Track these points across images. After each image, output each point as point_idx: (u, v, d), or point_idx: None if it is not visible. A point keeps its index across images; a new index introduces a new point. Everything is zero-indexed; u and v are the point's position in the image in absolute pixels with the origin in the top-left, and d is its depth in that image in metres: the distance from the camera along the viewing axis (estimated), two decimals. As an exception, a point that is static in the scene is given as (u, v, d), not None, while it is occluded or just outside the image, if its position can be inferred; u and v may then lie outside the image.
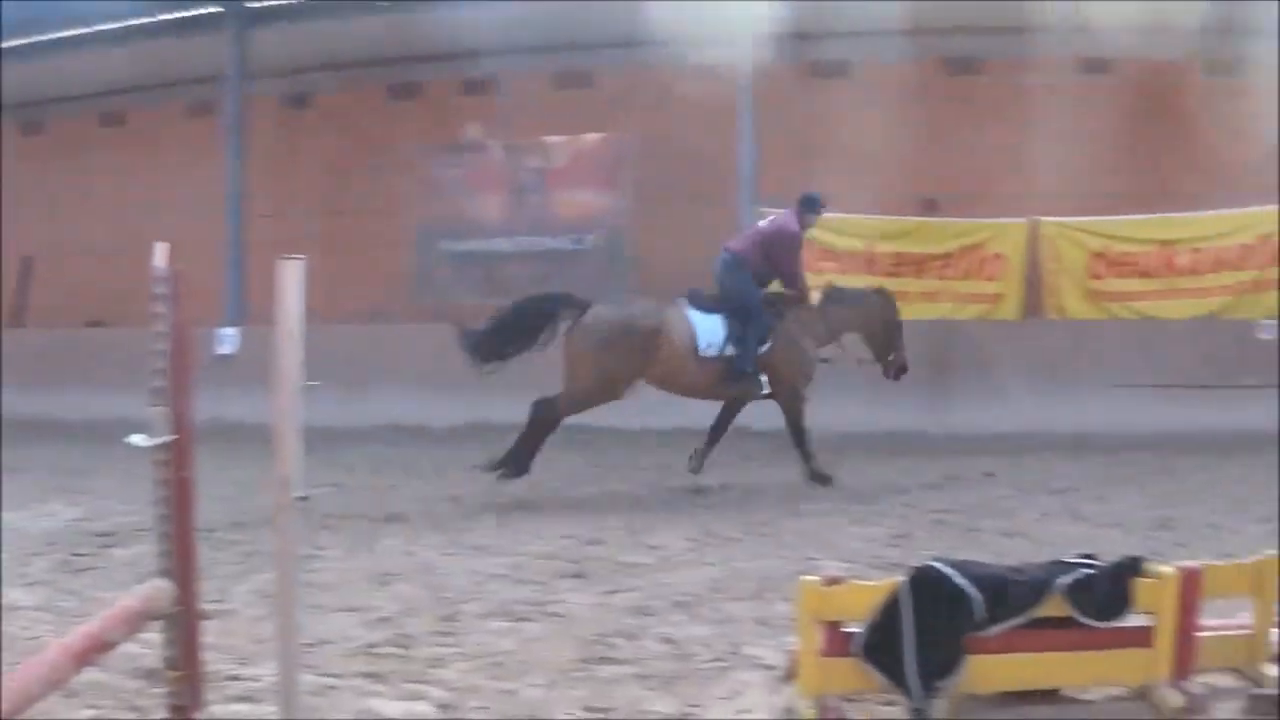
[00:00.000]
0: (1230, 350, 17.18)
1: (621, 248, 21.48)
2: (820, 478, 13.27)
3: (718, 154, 20.23)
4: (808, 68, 21.79)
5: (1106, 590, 5.97)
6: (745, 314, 13.32)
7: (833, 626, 5.82)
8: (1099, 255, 19.41)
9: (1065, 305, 19.26)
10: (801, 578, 5.89)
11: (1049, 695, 6.03)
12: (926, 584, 5.86)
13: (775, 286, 13.93)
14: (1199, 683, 6.08)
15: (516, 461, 12.90)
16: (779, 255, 13.75)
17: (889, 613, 5.78)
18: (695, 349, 13.15)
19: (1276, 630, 6.45)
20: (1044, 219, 19.40)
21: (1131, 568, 6.07)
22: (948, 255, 19.44)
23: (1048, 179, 20.02)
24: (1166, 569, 6.09)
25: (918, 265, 19.37)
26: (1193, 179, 20.15)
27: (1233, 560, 6.80)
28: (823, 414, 16.19)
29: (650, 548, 9.84)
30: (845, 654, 5.79)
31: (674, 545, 9.95)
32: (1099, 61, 21.14)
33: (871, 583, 6.12)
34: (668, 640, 7.12)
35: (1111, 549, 7.06)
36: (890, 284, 18.24)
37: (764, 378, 13.36)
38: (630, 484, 13.51)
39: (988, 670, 5.84)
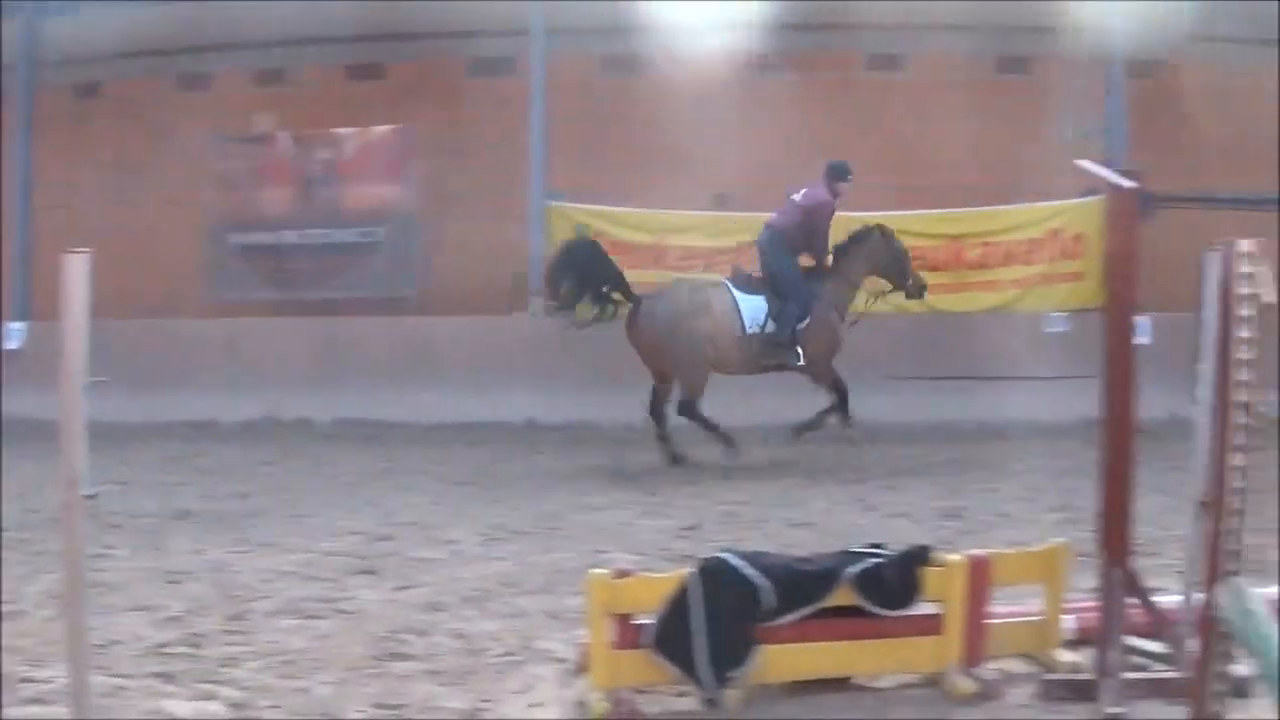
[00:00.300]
0: (1020, 343, 17.50)
1: (410, 240, 21.26)
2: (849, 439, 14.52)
3: (509, 146, 20.12)
4: (602, 61, 21.77)
5: (895, 579, 6.05)
6: (787, 291, 14.31)
7: (623, 619, 5.83)
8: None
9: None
10: (591, 571, 5.89)
11: (841, 684, 6.09)
12: (715, 575, 5.89)
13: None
14: (991, 669, 6.19)
15: (727, 441, 14.16)
16: (818, 225, 14.74)
17: (679, 605, 5.80)
18: (742, 329, 14.20)
19: (1067, 616, 6.60)
20: (840, 214, 19.58)
21: (919, 557, 6.16)
22: (735, 249, 19.51)
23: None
24: (954, 557, 6.19)
25: (706, 259, 19.40)
26: (984, 174, 20.50)
27: (1022, 548, 6.93)
28: (607, 408, 16.32)
29: (441, 543, 9.78)
30: (636, 646, 5.81)
31: (465, 540, 9.91)
32: (891, 58, 21.43)
33: (661, 575, 6.14)
34: (459, 635, 7.09)
35: (901, 539, 7.15)
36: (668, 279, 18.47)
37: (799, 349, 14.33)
38: (421, 479, 13.38)
39: (779, 660, 5.89)
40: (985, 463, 14.15)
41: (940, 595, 6.11)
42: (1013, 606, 6.74)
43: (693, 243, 19.46)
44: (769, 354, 14.34)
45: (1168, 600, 6.26)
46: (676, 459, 14.04)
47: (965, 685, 5.97)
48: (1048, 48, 21.03)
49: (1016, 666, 6.41)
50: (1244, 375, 4.45)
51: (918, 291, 15.42)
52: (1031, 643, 6.49)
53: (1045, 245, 19.45)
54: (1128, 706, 5.59)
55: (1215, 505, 4.50)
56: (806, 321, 14.31)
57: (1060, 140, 19.13)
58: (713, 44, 20.74)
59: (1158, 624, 6.15)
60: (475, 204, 20.71)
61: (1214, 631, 4.42)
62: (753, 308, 14.27)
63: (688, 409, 14.25)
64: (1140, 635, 6.25)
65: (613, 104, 21.14)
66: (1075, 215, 18.94)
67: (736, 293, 14.39)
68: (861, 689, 6.14)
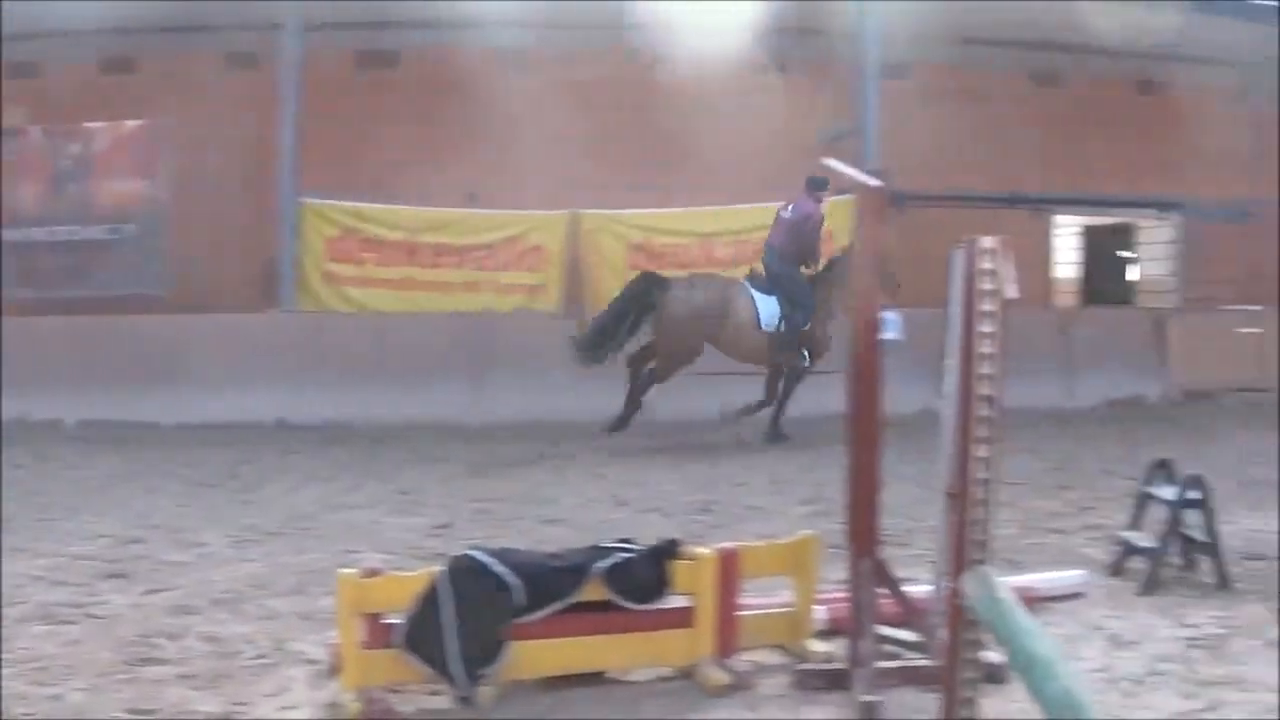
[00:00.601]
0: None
1: (160, 237, 20.76)
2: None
3: (262, 143, 19.83)
4: (357, 57, 21.54)
5: (645, 573, 6.09)
6: (794, 298, 15.55)
7: (373, 619, 5.80)
8: (639, 247, 19.72)
9: (604, 294, 19.50)
10: (340, 571, 5.84)
11: (594, 679, 6.10)
12: (465, 572, 5.89)
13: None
14: (744, 660, 6.25)
15: (623, 420, 15.28)
16: (808, 235, 15.78)
17: (429, 603, 5.79)
18: (758, 323, 15.49)
19: (818, 607, 6.69)
20: (585, 211, 19.61)
21: (668, 551, 6.21)
22: (489, 246, 19.44)
23: (590, 172, 20.28)
24: (704, 551, 6.24)
25: (459, 256, 19.33)
26: (734, 174, 20.72)
27: (771, 541, 7.02)
28: (362, 407, 16.20)
29: (192, 545, 9.59)
30: (387, 646, 5.78)
31: (215, 542, 9.72)
32: (645, 56, 21.56)
33: (410, 574, 6.10)
34: (211, 639, 6.98)
35: (652, 533, 7.19)
36: (431, 275, 18.34)
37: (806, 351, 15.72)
38: (170, 481, 13.08)
39: (531, 656, 5.90)
40: (736, 457, 14.36)
41: (691, 588, 6.17)
42: (765, 598, 6.83)
43: (446, 240, 19.35)
44: (777, 351, 15.62)
45: (919, 590, 6.40)
46: (618, 428, 15.27)
47: (718, 677, 6.02)
48: (804, 49, 21.37)
49: (769, 658, 6.50)
50: (986, 369, 4.54)
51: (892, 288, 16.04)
52: (784, 634, 6.58)
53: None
54: (881, 695, 5.70)
55: (960, 496, 4.59)
56: (807, 325, 15.60)
57: (817, 140, 19.41)
58: (467, 40, 20.64)
59: (908, 613, 6.28)
60: (227, 201, 20.35)
61: (962, 620, 4.51)
62: (769, 308, 15.57)
63: (649, 377, 15.42)
64: (892, 625, 6.38)
65: (367, 101, 20.96)
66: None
67: (755, 292, 15.64)
68: (615, 683, 6.18)
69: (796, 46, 21.48)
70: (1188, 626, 7.19)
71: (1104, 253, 28.17)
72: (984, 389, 4.51)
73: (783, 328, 15.52)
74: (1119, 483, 11.83)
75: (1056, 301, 24.91)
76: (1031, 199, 21.81)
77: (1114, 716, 5.63)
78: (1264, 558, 9.00)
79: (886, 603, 6.26)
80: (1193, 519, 8.32)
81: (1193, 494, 8.22)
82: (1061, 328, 19.70)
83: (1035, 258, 24.29)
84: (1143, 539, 8.41)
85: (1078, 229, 27.92)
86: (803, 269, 15.88)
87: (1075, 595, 7.77)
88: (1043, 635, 3.95)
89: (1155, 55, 23.79)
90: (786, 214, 15.89)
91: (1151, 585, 7.96)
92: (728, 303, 15.49)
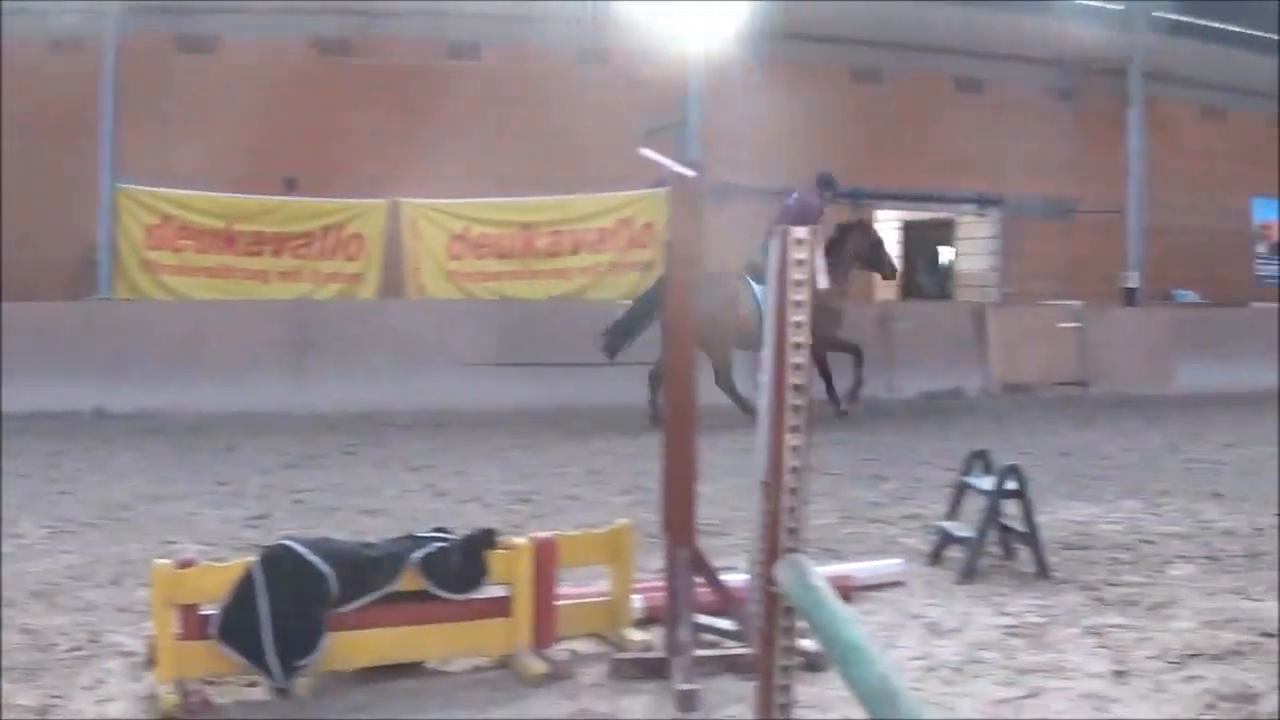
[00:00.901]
0: (590, 329, 17.75)
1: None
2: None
3: (80, 127, 19.44)
4: (176, 42, 21.17)
5: (460, 563, 6.07)
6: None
7: (189, 610, 5.71)
8: (459, 236, 19.66)
9: (425, 285, 19.43)
10: (155, 562, 5.75)
11: (413, 669, 6.08)
12: (279, 563, 5.84)
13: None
14: (562, 650, 6.25)
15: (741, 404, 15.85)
16: (808, 223, 15.11)
17: (244, 594, 5.73)
18: (758, 310, 15.45)
19: (636, 596, 6.71)
20: (405, 200, 19.50)
21: (484, 540, 6.21)
22: (308, 234, 19.26)
23: (412, 161, 20.19)
24: (520, 540, 6.24)
25: (277, 244, 19.12)
26: (557, 163, 20.74)
27: (588, 530, 7.02)
28: (180, 396, 15.97)
29: (6, 537, 9.35)
30: (203, 637, 5.69)
31: (31, 534, 9.51)
32: (468, 46, 21.49)
33: (225, 564, 6.03)
34: (27, 631, 6.84)
35: (471, 523, 7.17)
36: (250, 263, 18.15)
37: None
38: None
39: (348, 646, 5.86)
40: (556, 447, 14.36)
41: (507, 578, 6.16)
42: (583, 588, 6.84)
43: (265, 228, 19.13)
44: None
45: (737, 578, 6.44)
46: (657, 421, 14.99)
47: (536, 666, 6.02)
48: (628, 41, 21.42)
49: (588, 647, 6.51)
50: (797, 358, 4.56)
51: (891, 272, 19.11)
52: (602, 623, 6.60)
53: (615, 234, 19.84)
54: (698, 683, 5.73)
55: (773, 485, 4.61)
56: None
57: (638, 131, 19.48)
58: (288, 27, 20.44)
59: (726, 602, 6.31)
60: (43, 186, 19.90)
61: (776, 607, 4.53)
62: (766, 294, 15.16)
63: (725, 382, 16.32)
64: (710, 613, 6.41)
65: (188, 86, 20.64)
66: (645, 205, 19.35)
67: (753, 285, 16.17)
68: (434, 673, 6.16)
69: (622, 39, 21.52)
70: (1007, 615, 7.30)
71: (924, 247, 28.62)
72: (795, 378, 4.54)
73: None
74: (937, 473, 12.01)
75: (877, 295, 25.20)
76: (852, 193, 22.08)
77: (933, 704, 5.70)
78: (1082, 547, 9.21)
79: (704, 591, 6.29)
80: (1011, 509, 8.46)
81: (1010, 484, 8.34)
82: (881, 321, 19.93)
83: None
84: (961, 528, 8.54)
85: (898, 224, 28.31)
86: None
87: (894, 584, 7.87)
88: (856, 622, 3.97)
89: (977, 53, 24.23)
90: (790, 202, 17.38)
91: (970, 574, 8.08)
92: (734, 296, 16.51)
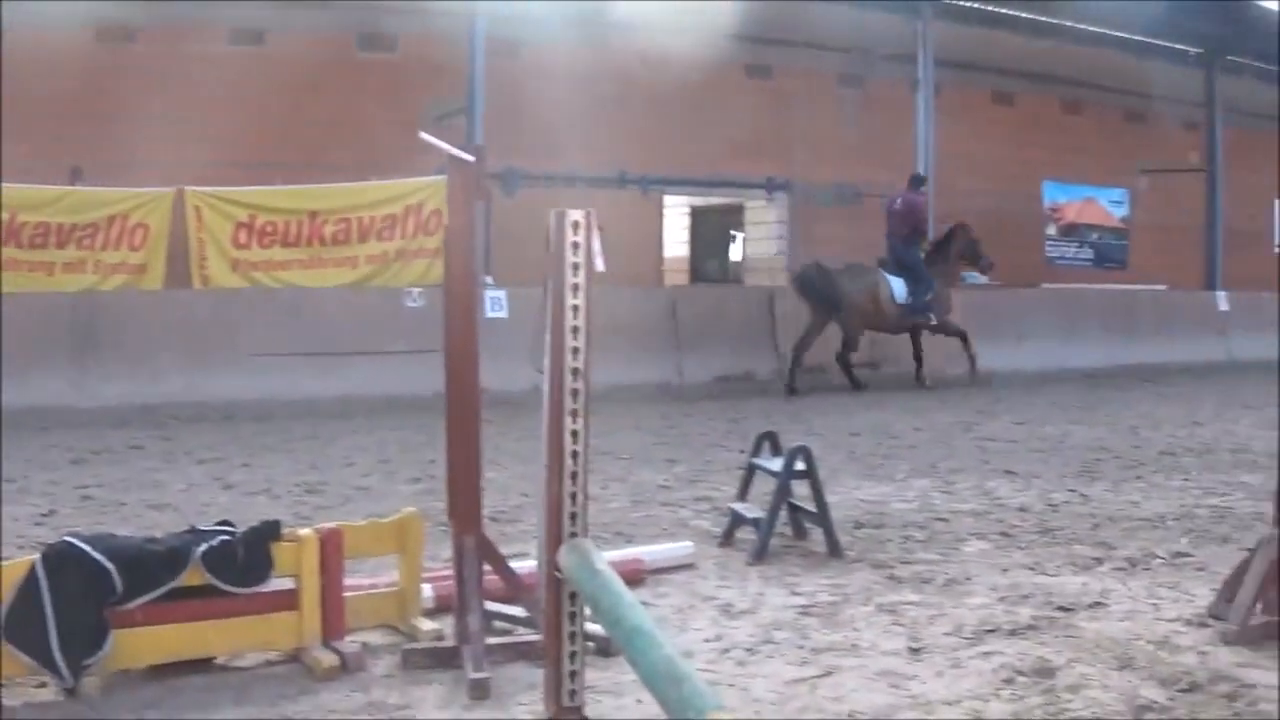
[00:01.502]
0: (379, 317, 17.68)
1: None
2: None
3: None
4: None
5: (245, 556, 6.03)
6: (918, 275, 20.81)
7: (-28, 611, 5.61)
8: (244, 224, 19.37)
9: (211, 274, 19.17)
10: (-67, 562, 5.66)
11: (203, 665, 6.02)
12: (61, 560, 5.74)
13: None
14: (353, 641, 6.23)
15: (854, 381, 20.36)
16: (918, 219, 21.45)
17: (27, 592, 5.63)
18: (894, 298, 20.61)
19: (425, 585, 6.71)
20: (190, 188, 19.19)
21: (268, 532, 6.17)
22: (92, 225, 18.85)
23: (199, 149, 19.98)
24: (305, 531, 6.21)
25: (61, 235, 18.70)
26: (344, 150, 20.62)
27: (375, 520, 7.01)
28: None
29: None
30: (-11, 638, 5.59)
31: None
32: (253, 33, 21.26)
33: (7, 562, 5.92)
34: None
35: (259, 515, 7.11)
36: (33, 255, 17.73)
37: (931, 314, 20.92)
38: None
39: (136, 644, 5.81)
40: (345, 437, 14.32)
41: (294, 570, 6.13)
42: (373, 578, 6.83)
43: (48, 219, 18.68)
44: (910, 317, 20.79)
45: (526, 565, 6.47)
46: (794, 391, 19.53)
47: (326, 659, 6.00)
48: (412, 26, 21.35)
49: (379, 638, 6.50)
50: (575, 341, 4.60)
51: (988, 267, 22.41)
52: (392, 613, 6.59)
53: (402, 221, 19.74)
54: (490, 671, 5.74)
55: (554, 469, 4.64)
56: (931, 294, 20.77)
57: (424, 117, 19.43)
58: (71, 15, 20.09)
59: (515, 588, 6.33)
60: None
61: (561, 592, 4.57)
62: (899, 286, 20.66)
63: (845, 355, 20.47)
64: (501, 600, 6.43)
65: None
66: (432, 192, 19.26)
67: (888, 275, 20.73)
68: (224, 669, 6.10)
69: (407, 24, 21.45)
70: (800, 595, 7.39)
71: (714, 232, 28.85)
72: (573, 361, 4.57)
73: (910, 300, 20.58)
74: (728, 455, 12.19)
75: (667, 280, 25.38)
76: (640, 179, 22.23)
77: (728, 685, 5.76)
78: (875, 526, 9.40)
79: (493, 579, 6.31)
80: (802, 490, 8.58)
81: (799, 465, 8.46)
82: (671, 306, 20.06)
83: (645, 238, 24.80)
84: (751, 510, 8.65)
85: (687, 209, 28.50)
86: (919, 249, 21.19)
87: (686, 566, 7.93)
88: (640, 606, 4.02)
89: (767, 39, 24.48)
90: (896, 207, 21.24)
91: (761, 555, 8.18)
92: (875, 285, 20.57)
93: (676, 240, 28.63)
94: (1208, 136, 30.72)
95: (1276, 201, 29.87)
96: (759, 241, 27.33)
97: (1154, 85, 30.60)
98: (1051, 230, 27.97)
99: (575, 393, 4.58)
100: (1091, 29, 27.53)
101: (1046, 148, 28.95)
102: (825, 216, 25.58)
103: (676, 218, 27.94)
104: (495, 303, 17.73)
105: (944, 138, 24.86)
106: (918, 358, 21.08)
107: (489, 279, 19.32)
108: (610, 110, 22.37)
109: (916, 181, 21.73)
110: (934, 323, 20.96)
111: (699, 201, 27.97)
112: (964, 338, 21.21)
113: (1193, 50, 29.82)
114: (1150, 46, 29.03)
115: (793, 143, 25.15)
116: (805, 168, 25.31)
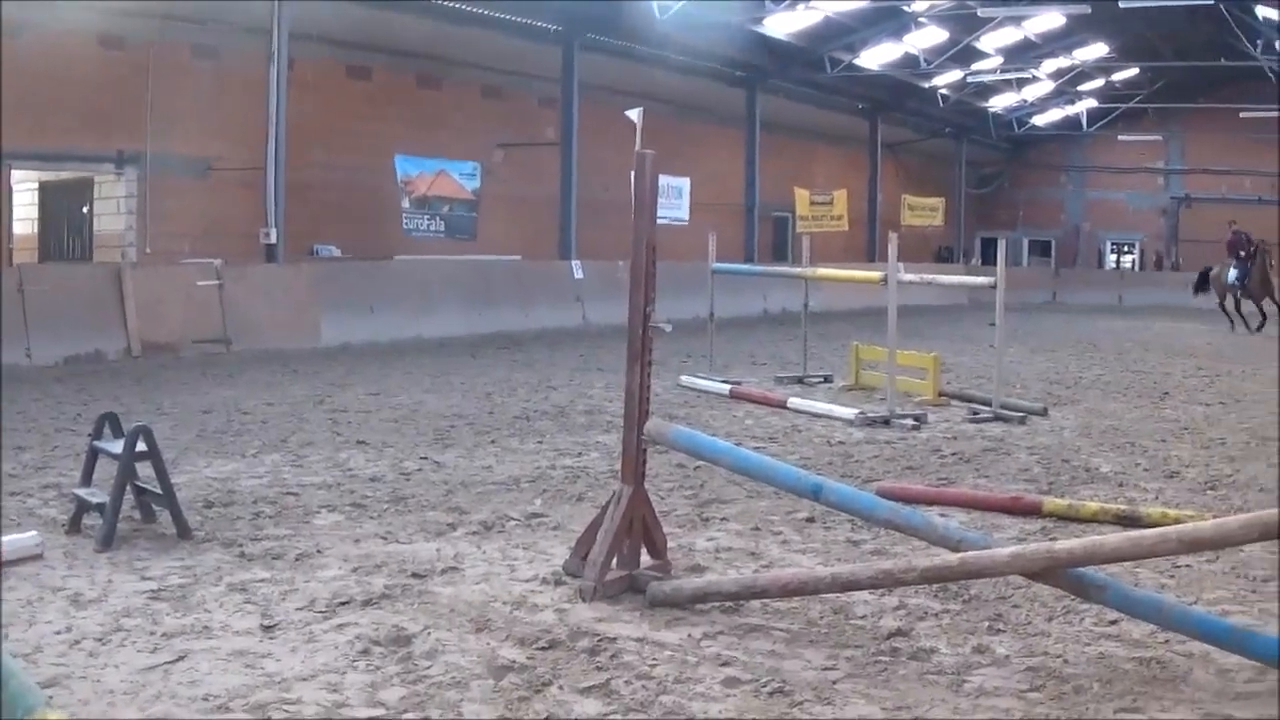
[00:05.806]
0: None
1: None
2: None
3: None
4: None
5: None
6: (1241, 265, 32.54)
7: None
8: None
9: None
10: None
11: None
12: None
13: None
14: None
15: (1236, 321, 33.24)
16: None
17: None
18: (1230, 280, 32.91)
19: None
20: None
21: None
22: None
23: None
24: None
25: None
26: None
27: None
28: None
29: None
30: None
31: None
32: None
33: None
34: None
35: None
36: None
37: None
38: None
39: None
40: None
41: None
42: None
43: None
44: (1235, 292, 32.70)
45: None
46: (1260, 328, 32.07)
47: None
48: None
49: None
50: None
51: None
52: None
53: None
54: None
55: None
56: (1248, 279, 32.50)
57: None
58: None
59: None
60: None
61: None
62: (1233, 271, 32.70)
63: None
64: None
65: None
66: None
67: (1232, 263, 32.93)
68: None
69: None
70: (149, 579, 7.40)
71: (62, 208, 28.04)
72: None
73: (1236, 281, 32.62)
74: (76, 440, 12.05)
75: (14, 259, 24.60)
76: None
77: (80, 678, 5.75)
78: (224, 504, 9.51)
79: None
80: (147, 471, 8.57)
81: (140, 446, 8.44)
82: (18, 285, 19.46)
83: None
84: (95, 494, 8.58)
85: (34, 184, 27.61)
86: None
87: (33, 557, 7.79)
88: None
89: (116, 11, 23.97)
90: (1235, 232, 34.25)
91: (108, 541, 8.11)
92: (1268, 266, 32.41)
93: (23, 218, 27.67)
94: (564, 112, 31.83)
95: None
96: (109, 217, 26.71)
97: (513, 62, 31.65)
98: (406, 203, 28.39)
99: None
100: (451, 5, 28.08)
101: (402, 121, 29.42)
102: (178, 190, 25.27)
103: (22, 194, 26.93)
104: None
105: (297, 111, 24.89)
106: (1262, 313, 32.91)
107: None
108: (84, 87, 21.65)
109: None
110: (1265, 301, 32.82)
111: (47, 176, 27.05)
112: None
113: (552, 28, 30.82)
114: (510, 24, 29.83)
115: (145, 115, 24.70)
116: (158, 141, 24.92)
